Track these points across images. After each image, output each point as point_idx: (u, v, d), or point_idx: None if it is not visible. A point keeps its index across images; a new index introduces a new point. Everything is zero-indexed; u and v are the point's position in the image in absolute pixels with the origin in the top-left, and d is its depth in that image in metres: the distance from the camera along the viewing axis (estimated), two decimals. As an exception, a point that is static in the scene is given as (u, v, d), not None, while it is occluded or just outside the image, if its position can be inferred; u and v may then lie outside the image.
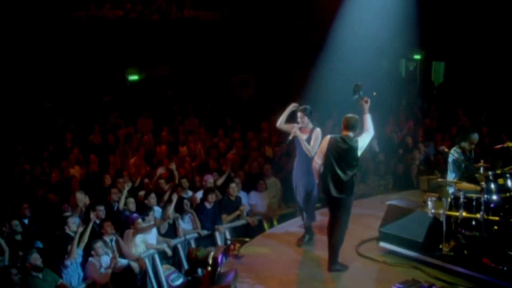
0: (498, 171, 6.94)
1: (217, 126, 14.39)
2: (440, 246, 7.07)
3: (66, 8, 16.43)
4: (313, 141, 7.50)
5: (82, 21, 16.46)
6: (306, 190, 7.68)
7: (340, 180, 6.88)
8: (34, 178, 10.67)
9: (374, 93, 16.67)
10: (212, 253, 6.31)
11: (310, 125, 7.69)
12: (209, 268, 6.30)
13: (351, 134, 6.98)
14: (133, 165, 11.58)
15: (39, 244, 8.40)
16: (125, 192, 9.28)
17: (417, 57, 19.89)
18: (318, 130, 7.60)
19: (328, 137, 7.10)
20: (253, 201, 10.17)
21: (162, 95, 17.16)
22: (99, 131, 13.77)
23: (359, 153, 6.96)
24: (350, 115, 7.10)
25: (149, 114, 14.98)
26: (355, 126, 7.00)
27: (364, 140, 6.98)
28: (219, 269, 6.36)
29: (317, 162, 7.08)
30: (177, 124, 14.71)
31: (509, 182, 6.83)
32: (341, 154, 6.90)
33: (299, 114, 7.73)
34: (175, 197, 9.11)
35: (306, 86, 18.13)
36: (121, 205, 9.26)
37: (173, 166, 10.32)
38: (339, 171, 6.87)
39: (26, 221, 8.83)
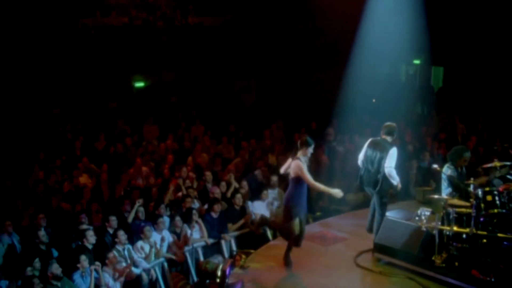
0: (487, 189, 7.41)
1: (220, 132, 14.75)
2: (433, 258, 7.56)
3: (73, 16, 16.84)
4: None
5: (89, 29, 16.84)
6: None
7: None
8: (48, 187, 11.12)
9: (374, 100, 17.10)
10: (220, 266, 6.80)
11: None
12: (218, 280, 6.79)
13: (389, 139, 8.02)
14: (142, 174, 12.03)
15: (55, 253, 8.89)
16: (135, 207, 9.72)
17: (417, 62, 20.21)
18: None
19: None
20: (257, 210, 10.62)
21: (167, 101, 17.52)
22: (104, 138, 14.13)
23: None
24: (388, 123, 8.24)
25: (154, 120, 15.34)
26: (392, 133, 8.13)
27: None
28: (227, 280, 6.86)
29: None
30: (182, 131, 15.09)
31: (496, 199, 7.30)
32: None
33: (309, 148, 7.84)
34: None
35: (308, 91, 18.66)
36: (130, 219, 9.72)
37: (180, 182, 10.74)
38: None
39: (42, 231, 9.30)
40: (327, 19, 17.58)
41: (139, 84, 17.33)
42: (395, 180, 8.05)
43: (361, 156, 8.49)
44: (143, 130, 14.97)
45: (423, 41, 16.06)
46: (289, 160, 7.80)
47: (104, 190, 11.41)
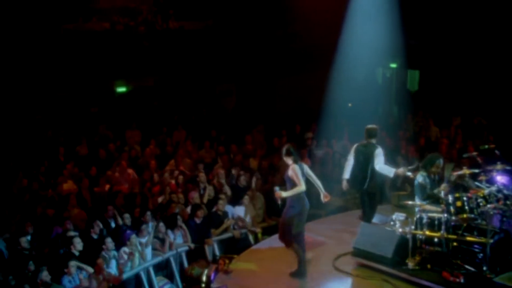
0: (457, 195, 7.84)
1: (202, 137, 14.97)
2: (407, 261, 7.95)
3: (55, 21, 16.92)
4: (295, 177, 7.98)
5: (71, 34, 16.94)
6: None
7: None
8: (32, 193, 11.30)
9: (350, 104, 17.40)
10: (205, 271, 7.12)
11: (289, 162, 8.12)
12: (203, 285, 7.11)
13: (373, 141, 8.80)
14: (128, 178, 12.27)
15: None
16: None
17: (393, 65, 20.61)
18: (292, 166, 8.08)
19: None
20: (237, 215, 10.94)
21: (149, 106, 17.70)
22: (86, 142, 14.30)
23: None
24: (369, 126, 8.90)
25: (137, 125, 15.48)
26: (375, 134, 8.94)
27: None
28: (212, 285, 7.18)
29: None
30: (164, 136, 15.28)
31: (465, 205, 7.73)
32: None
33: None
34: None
35: (288, 95, 18.96)
36: (114, 225, 9.98)
37: (167, 190, 11.02)
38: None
39: (29, 237, 9.53)
40: (306, 24, 17.77)
41: (121, 89, 17.48)
42: (390, 172, 8.94)
43: (350, 162, 9.22)
44: (125, 135, 15.13)
45: (399, 45, 16.51)
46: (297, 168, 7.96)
47: (86, 196, 11.63)
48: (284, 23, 19.41)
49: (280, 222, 8.25)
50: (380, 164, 8.87)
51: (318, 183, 8.27)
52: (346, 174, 9.26)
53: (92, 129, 15.58)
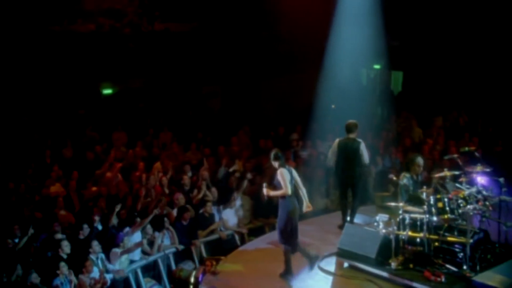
0: (438, 196, 8.06)
1: (188, 139, 15.06)
2: (390, 261, 8.14)
3: (41, 23, 16.91)
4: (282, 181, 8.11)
5: (56, 36, 16.94)
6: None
7: None
8: (19, 196, 11.34)
9: (333, 106, 17.58)
10: (193, 273, 7.26)
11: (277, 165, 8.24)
12: (191, 287, 7.25)
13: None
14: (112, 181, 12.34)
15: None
16: (115, 214, 10.09)
17: (377, 66, 20.86)
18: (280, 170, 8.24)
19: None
20: (225, 216, 11.11)
21: (135, 108, 17.77)
22: (72, 144, 14.34)
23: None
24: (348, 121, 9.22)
25: (123, 127, 15.54)
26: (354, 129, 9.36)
27: None
28: (200, 287, 7.32)
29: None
30: (150, 138, 15.36)
31: (447, 206, 7.95)
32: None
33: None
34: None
35: (274, 96, 19.12)
36: (100, 226, 10.08)
37: (152, 192, 11.13)
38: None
39: (16, 240, 9.59)
40: (291, 26, 17.89)
41: (107, 91, 17.52)
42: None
43: (331, 158, 9.58)
44: (112, 137, 15.19)
45: (382, 47, 16.73)
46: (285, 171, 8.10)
47: (74, 198, 11.70)
48: (269, 25, 19.50)
49: (277, 228, 8.32)
50: (368, 158, 9.47)
51: (303, 191, 8.36)
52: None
53: (79, 131, 15.59)
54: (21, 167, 12.92)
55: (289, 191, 7.97)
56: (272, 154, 8.16)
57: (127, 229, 9.86)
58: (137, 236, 9.82)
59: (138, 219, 10.03)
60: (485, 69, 16.38)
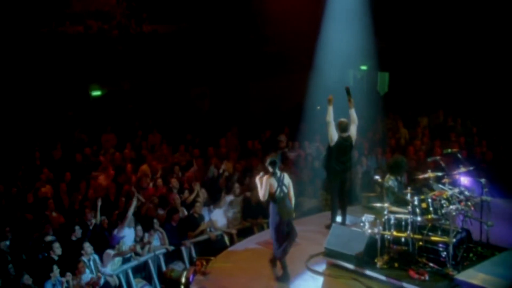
0: (422, 197, 8.30)
1: (177, 140, 15.18)
2: (376, 260, 8.38)
3: (29, 25, 16.94)
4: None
5: (45, 38, 16.99)
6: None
7: None
8: (10, 199, 11.42)
9: (318, 107, 17.78)
10: (184, 273, 7.43)
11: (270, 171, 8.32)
12: (182, 287, 7.42)
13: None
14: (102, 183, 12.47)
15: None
16: (99, 208, 10.20)
17: (364, 68, 21.10)
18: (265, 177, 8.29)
19: None
20: (215, 217, 11.27)
21: (124, 109, 17.85)
22: (61, 146, 14.41)
23: None
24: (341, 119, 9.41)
25: (112, 129, 15.63)
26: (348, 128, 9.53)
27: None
28: (190, 287, 7.49)
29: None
30: (139, 139, 15.46)
31: (430, 206, 8.19)
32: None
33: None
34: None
35: (262, 97, 19.28)
36: (98, 220, 10.20)
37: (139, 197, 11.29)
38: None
39: (7, 242, 9.69)
40: (279, 28, 18.12)
41: (96, 93, 17.59)
42: None
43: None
44: (101, 139, 15.28)
45: (369, 48, 16.94)
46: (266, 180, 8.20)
47: (64, 200, 11.80)
48: (257, 27, 19.75)
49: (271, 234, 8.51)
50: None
51: (292, 200, 8.45)
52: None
53: (68, 133, 15.65)
54: (11, 169, 12.96)
55: (263, 198, 8.14)
56: (268, 160, 8.28)
57: (115, 230, 9.97)
58: (129, 239, 9.93)
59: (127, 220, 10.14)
60: (469, 70, 16.65)
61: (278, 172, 8.23)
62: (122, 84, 17.92)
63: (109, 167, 13.17)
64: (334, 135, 9.49)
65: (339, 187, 9.82)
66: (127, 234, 9.87)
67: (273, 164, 8.19)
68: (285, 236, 8.26)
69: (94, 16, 18.50)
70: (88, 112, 17.22)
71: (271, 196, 8.16)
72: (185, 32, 18.96)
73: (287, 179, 8.33)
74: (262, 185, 8.10)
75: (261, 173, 8.28)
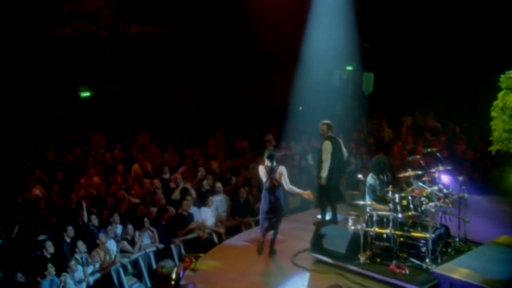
0: (403, 194, 8.65)
1: (165, 141, 15.44)
2: (359, 256, 8.72)
3: (20, 27, 17.05)
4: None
5: (34, 39, 17.12)
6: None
7: None
8: (2, 198, 11.64)
9: (300, 108, 18.02)
10: (175, 270, 7.73)
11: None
12: (173, 282, 7.72)
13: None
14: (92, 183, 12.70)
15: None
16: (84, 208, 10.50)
17: (349, 68, 21.43)
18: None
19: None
20: (204, 216, 11.55)
21: (113, 110, 18.06)
22: (53, 148, 14.62)
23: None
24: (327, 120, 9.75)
25: (101, 130, 15.84)
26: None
27: None
28: (180, 282, 7.79)
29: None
30: (128, 140, 15.69)
31: (410, 203, 8.55)
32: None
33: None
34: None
35: (249, 98, 19.54)
36: (85, 219, 10.45)
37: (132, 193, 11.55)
38: None
39: (0, 241, 9.92)
40: (266, 29, 18.35)
41: (85, 94, 17.76)
42: None
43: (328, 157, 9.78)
44: (91, 140, 15.47)
45: (354, 49, 17.26)
46: (261, 167, 9.10)
47: (56, 200, 12.02)
48: (244, 28, 19.91)
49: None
50: None
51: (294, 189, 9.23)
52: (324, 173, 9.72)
53: (58, 134, 15.82)
54: (2, 170, 13.15)
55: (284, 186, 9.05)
56: (266, 154, 9.12)
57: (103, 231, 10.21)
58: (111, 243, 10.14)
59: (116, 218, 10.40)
60: (453, 70, 17.01)
61: (274, 165, 8.94)
62: (111, 85, 18.07)
63: (96, 168, 13.35)
64: (328, 149, 9.71)
65: (334, 186, 10.15)
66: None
67: (270, 157, 8.93)
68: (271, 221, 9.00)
69: (83, 17, 18.56)
70: (77, 113, 17.41)
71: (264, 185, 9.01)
72: (173, 34, 19.16)
73: (278, 172, 8.93)
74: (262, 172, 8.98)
75: (266, 163, 9.01)
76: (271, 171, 8.94)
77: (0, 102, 15.87)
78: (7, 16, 16.62)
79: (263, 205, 9.08)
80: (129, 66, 17.75)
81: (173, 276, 7.71)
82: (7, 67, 15.84)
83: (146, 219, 10.66)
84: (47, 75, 16.58)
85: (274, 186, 8.95)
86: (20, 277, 8.46)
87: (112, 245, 9.98)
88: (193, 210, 11.56)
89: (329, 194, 10.02)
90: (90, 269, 9.45)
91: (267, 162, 8.99)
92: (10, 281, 8.46)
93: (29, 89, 16.38)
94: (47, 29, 17.79)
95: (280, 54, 18.28)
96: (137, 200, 11.67)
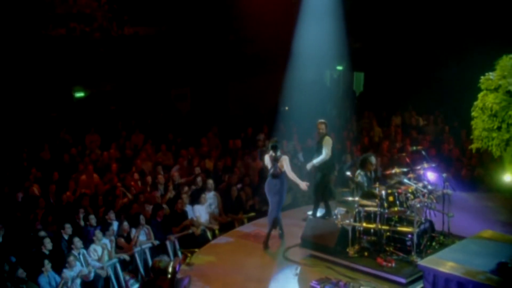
0: (389, 191, 9.02)
1: (159, 140, 15.72)
2: (347, 250, 9.10)
3: (14, 28, 17.24)
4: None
5: (29, 40, 17.32)
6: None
7: None
8: (1, 197, 11.91)
9: (286, 108, 18.29)
10: (171, 263, 8.06)
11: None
12: (169, 276, 8.04)
13: None
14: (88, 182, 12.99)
15: (12, 259, 9.79)
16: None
17: (340, 68, 21.77)
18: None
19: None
20: (197, 213, 11.87)
21: (107, 110, 18.30)
22: (49, 148, 14.87)
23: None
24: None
25: (95, 130, 16.08)
26: None
27: None
28: (176, 276, 8.12)
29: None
30: (123, 140, 15.96)
31: (396, 199, 8.93)
32: None
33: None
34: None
35: (241, 98, 19.83)
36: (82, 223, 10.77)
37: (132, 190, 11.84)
38: None
39: (0, 238, 10.19)
40: (257, 30, 18.61)
41: (79, 94, 17.99)
42: None
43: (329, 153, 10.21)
44: (85, 140, 15.73)
45: (345, 48, 17.55)
46: (267, 156, 9.94)
47: (52, 198, 12.29)
48: (236, 29, 20.16)
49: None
50: None
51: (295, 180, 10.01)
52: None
53: (53, 134, 16.05)
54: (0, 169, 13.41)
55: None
56: (270, 144, 9.98)
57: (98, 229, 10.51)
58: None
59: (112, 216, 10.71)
60: (443, 70, 17.33)
61: (278, 154, 9.80)
62: (104, 86, 18.29)
63: (91, 167, 13.63)
64: (330, 143, 10.13)
65: (328, 183, 10.59)
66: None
67: (273, 147, 9.83)
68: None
69: (77, 18, 18.75)
70: (72, 113, 17.63)
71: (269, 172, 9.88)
72: (165, 34, 19.35)
73: (281, 161, 9.81)
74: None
75: (270, 153, 9.86)
76: (275, 160, 9.76)
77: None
78: (1, 17, 16.80)
79: (267, 190, 9.94)
80: (123, 67, 17.92)
81: (170, 269, 8.05)
82: (2, 68, 16.00)
83: (141, 216, 10.96)
84: (42, 76, 16.74)
85: (278, 173, 9.77)
86: (21, 272, 8.73)
87: (107, 241, 10.27)
88: (187, 207, 11.87)
89: (324, 191, 10.35)
90: (90, 266, 9.74)
91: (271, 152, 9.81)
92: (12, 277, 8.73)
93: (24, 90, 16.54)
94: (41, 30, 17.95)
95: (271, 54, 18.61)
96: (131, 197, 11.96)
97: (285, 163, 9.80)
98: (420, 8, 17.46)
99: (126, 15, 19.29)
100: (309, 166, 10.24)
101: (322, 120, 10.25)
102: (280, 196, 9.85)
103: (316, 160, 10.03)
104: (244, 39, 20.01)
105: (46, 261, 9.13)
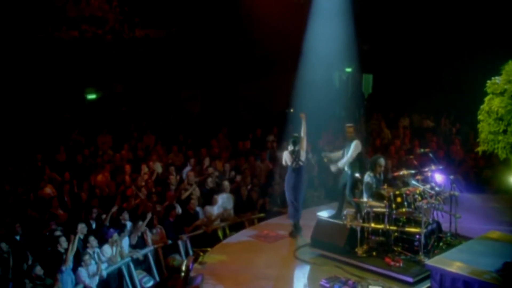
0: (397, 192, 9.20)
1: (170, 141, 15.95)
2: (356, 250, 9.29)
3: (27, 30, 17.54)
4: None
5: (42, 43, 17.61)
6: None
7: None
8: (17, 198, 12.18)
9: (291, 109, 18.40)
10: (185, 262, 8.30)
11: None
12: (183, 274, 8.28)
13: None
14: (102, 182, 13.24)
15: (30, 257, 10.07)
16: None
17: (348, 70, 21.85)
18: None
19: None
20: (209, 213, 12.08)
21: (119, 112, 18.55)
22: (64, 149, 15.15)
23: None
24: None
25: (107, 131, 16.33)
26: None
27: None
28: (190, 274, 8.36)
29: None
30: (134, 141, 16.18)
31: (404, 200, 9.10)
32: None
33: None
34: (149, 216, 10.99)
35: (250, 99, 20.00)
36: (95, 225, 11.01)
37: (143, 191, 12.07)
38: None
39: (18, 237, 10.46)
40: (266, 31, 18.74)
41: (91, 96, 18.25)
42: None
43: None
44: (98, 141, 15.99)
45: (354, 50, 17.68)
46: (285, 153, 10.44)
47: (67, 199, 12.55)
48: (245, 31, 20.20)
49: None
50: None
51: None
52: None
53: (65, 135, 16.31)
54: (15, 170, 13.67)
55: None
56: (291, 140, 10.50)
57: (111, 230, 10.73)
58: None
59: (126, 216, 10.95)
60: (451, 72, 17.49)
61: (297, 148, 10.31)
62: (116, 87, 18.54)
63: (106, 167, 13.89)
64: (359, 147, 10.26)
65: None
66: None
67: (293, 142, 10.39)
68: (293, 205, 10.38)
69: (89, 21, 19.03)
70: (84, 115, 17.90)
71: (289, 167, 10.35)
72: (175, 37, 19.63)
73: (303, 155, 10.38)
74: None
75: (289, 148, 10.37)
76: (294, 154, 10.26)
77: (10, 105, 16.32)
78: (15, 21, 17.09)
79: (287, 185, 10.43)
80: (134, 69, 18.17)
81: (183, 268, 8.28)
82: (16, 70, 16.29)
83: (154, 216, 11.19)
84: (55, 78, 17.02)
85: (299, 166, 10.30)
86: (38, 270, 8.99)
87: (123, 241, 10.52)
88: (198, 208, 12.09)
89: (342, 192, 10.52)
90: (104, 265, 9.99)
91: (290, 147, 10.29)
92: (29, 274, 9.00)
93: (38, 92, 16.82)
94: (54, 32, 18.24)
95: (280, 55, 18.77)
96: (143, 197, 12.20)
97: (304, 155, 10.33)
98: (429, 11, 17.57)
99: (137, 17, 19.59)
100: (333, 168, 10.46)
101: (350, 124, 10.45)
102: (300, 189, 10.34)
103: (341, 163, 10.21)
104: (253, 40, 20.12)
105: (92, 238, 9.50)
